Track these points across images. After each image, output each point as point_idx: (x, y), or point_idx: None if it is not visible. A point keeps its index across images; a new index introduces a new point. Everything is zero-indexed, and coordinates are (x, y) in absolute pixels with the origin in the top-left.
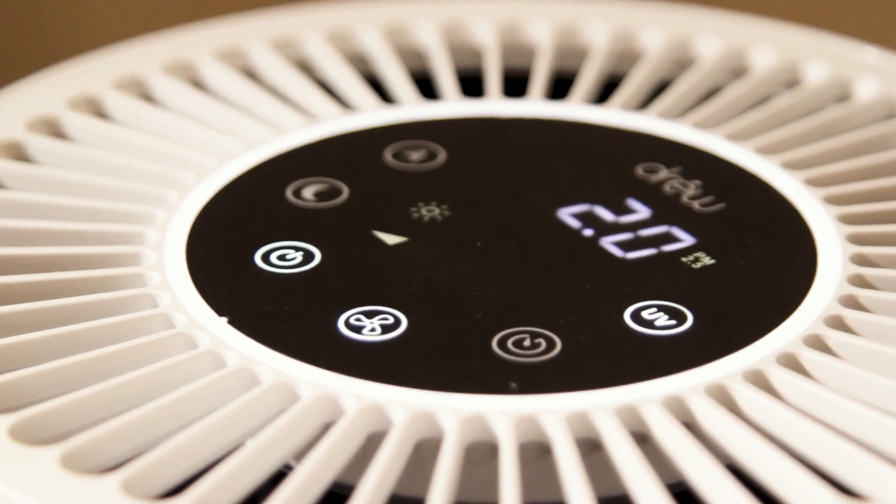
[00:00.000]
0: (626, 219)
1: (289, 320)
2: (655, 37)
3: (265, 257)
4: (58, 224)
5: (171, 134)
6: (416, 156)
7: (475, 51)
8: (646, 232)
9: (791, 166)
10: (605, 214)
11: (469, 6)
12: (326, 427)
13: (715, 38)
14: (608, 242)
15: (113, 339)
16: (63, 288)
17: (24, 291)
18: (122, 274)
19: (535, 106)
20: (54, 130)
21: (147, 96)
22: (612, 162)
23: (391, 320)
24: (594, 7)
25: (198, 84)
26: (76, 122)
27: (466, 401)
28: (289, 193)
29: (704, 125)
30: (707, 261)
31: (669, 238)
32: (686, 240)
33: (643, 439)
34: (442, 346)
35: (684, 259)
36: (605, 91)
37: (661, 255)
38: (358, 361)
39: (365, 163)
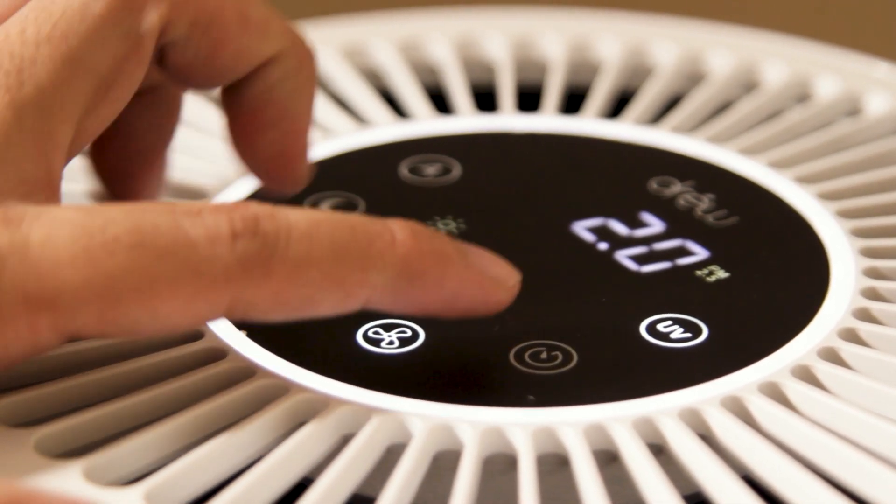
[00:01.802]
0: (641, 232)
1: (308, 333)
2: (667, 52)
3: None
4: None
5: (189, 148)
6: (431, 170)
7: (489, 66)
8: (660, 245)
9: (804, 180)
10: (619, 228)
11: (483, 22)
12: (346, 439)
13: (726, 52)
14: (623, 256)
15: (131, 354)
16: None
17: None
18: None
19: (548, 120)
20: None
21: None
22: (626, 176)
23: (409, 333)
24: (606, 22)
25: (218, 101)
26: None
27: (484, 413)
28: (307, 208)
29: (717, 139)
30: (721, 274)
31: (683, 252)
32: (700, 253)
33: (660, 451)
34: (460, 358)
35: (699, 272)
36: (618, 106)
37: (676, 268)
38: (376, 374)
39: (380, 177)
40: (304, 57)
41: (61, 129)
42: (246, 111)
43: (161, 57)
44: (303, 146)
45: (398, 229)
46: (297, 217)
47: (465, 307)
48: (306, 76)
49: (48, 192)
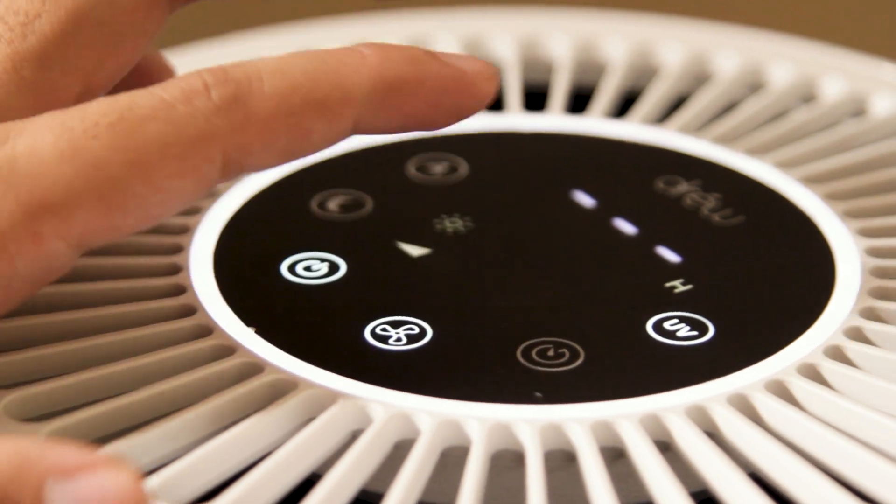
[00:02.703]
0: (647, 231)
1: (316, 330)
2: (673, 52)
3: (291, 268)
4: None
5: None
6: (438, 168)
7: (496, 66)
8: (666, 244)
9: (810, 180)
10: (625, 227)
11: (489, 21)
12: (354, 435)
13: (733, 53)
14: (629, 254)
15: (142, 349)
16: (90, 299)
17: (55, 301)
18: (150, 285)
19: (555, 120)
20: None
21: None
22: (632, 175)
23: (417, 330)
24: (613, 23)
25: None
26: None
27: (492, 410)
28: (313, 205)
29: (723, 139)
30: (727, 273)
31: (689, 250)
32: (706, 252)
33: (666, 448)
34: (467, 355)
35: (704, 271)
36: (624, 105)
37: (682, 266)
38: (385, 371)
39: (388, 175)
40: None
41: (65, 81)
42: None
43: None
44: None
45: (365, 46)
46: (265, 59)
47: (452, 103)
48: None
49: None
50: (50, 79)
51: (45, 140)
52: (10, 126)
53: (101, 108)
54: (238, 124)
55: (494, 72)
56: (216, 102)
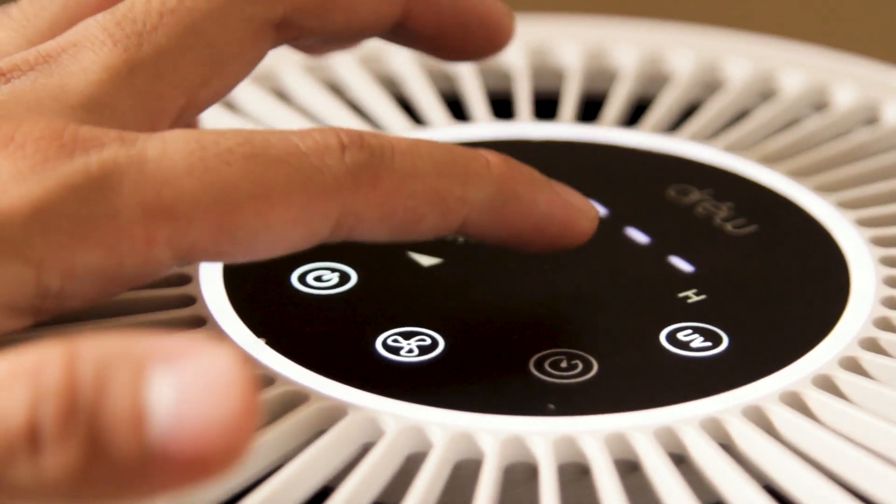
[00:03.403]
0: (659, 240)
1: (326, 341)
2: (684, 60)
3: (302, 278)
4: None
5: None
6: None
7: (505, 73)
8: (679, 254)
9: (823, 189)
10: (637, 236)
11: None
12: (366, 448)
13: (744, 61)
14: (642, 264)
15: None
16: (98, 309)
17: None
18: (160, 295)
19: (565, 128)
20: None
21: None
22: (644, 184)
23: (428, 341)
24: (623, 30)
25: (232, 107)
26: None
27: (505, 422)
28: None
29: (735, 148)
30: (740, 283)
31: (703, 260)
32: (719, 262)
33: (681, 460)
34: (479, 367)
35: (718, 281)
36: (635, 113)
37: (695, 276)
38: (396, 383)
39: None
40: None
41: (171, 94)
42: (418, 35)
43: (297, 36)
44: (484, 6)
45: (490, 154)
46: (398, 137)
47: (555, 232)
48: None
49: None
50: (159, 89)
51: (177, 150)
52: (143, 134)
53: (238, 139)
54: (362, 191)
55: (596, 213)
56: (348, 164)
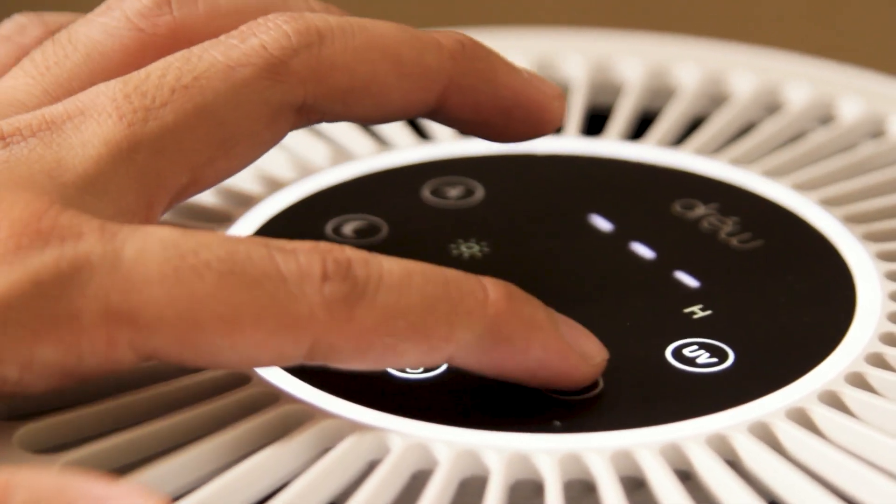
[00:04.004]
0: (664, 256)
1: None
2: (689, 73)
3: None
4: None
5: None
6: (454, 192)
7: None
8: (685, 269)
9: (829, 203)
10: (643, 251)
11: (504, 43)
12: (371, 466)
13: (749, 74)
14: (647, 280)
15: (155, 379)
16: None
17: None
18: None
19: (570, 142)
20: None
21: None
22: (649, 198)
23: None
24: (628, 43)
25: None
26: None
27: (511, 439)
28: (329, 230)
29: (740, 161)
30: (747, 298)
31: (709, 275)
32: (726, 277)
33: (687, 477)
34: (485, 384)
35: (724, 296)
36: (640, 127)
37: (701, 292)
38: (401, 400)
39: (403, 199)
40: (471, 56)
41: (173, 170)
42: (456, 120)
43: (321, 119)
44: (528, 92)
45: (492, 288)
46: (391, 266)
47: (548, 377)
48: (482, 64)
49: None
50: (160, 165)
51: (153, 255)
52: (126, 228)
53: (218, 253)
54: (337, 327)
55: (603, 358)
56: (325, 296)
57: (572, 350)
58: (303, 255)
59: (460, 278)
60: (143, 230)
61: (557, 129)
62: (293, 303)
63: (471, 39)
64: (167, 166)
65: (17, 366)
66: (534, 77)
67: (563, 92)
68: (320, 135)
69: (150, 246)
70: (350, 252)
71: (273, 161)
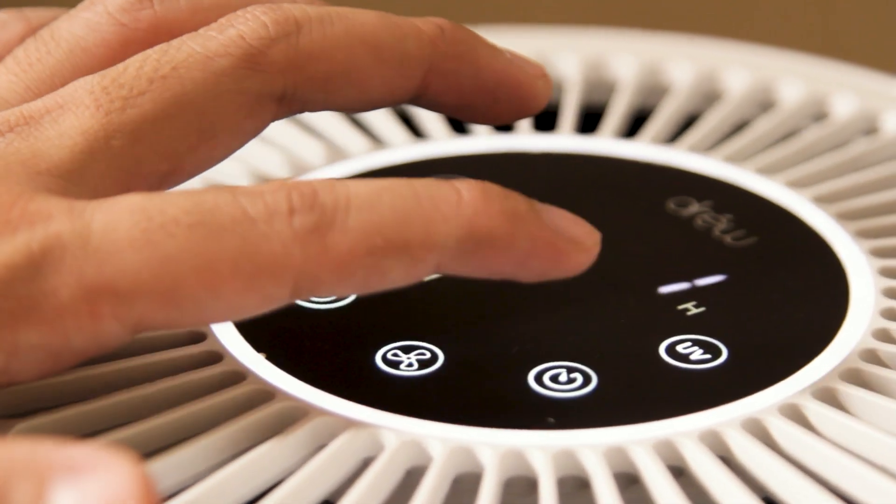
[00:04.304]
0: (658, 253)
1: (326, 356)
2: (683, 71)
3: None
4: None
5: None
6: None
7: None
8: (678, 266)
9: (822, 200)
10: (636, 249)
11: (496, 40)
12: (366, 462)
13: (742, 71)
14: (641, 277)
15: (151, 376)
16: None
17: None
18: None
19: (564, 140)
20: None
21: None
22: (643, 196)
23: (428, 355)
24: (622, 41)
25: None
26: None
27: (504, 436)
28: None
29: (734, 159)
30: (740, 295)
31: (702, 272)
32: (718, 274)
33: (680, 473)
34: (479, 381)
35: (717, 293)
36: (634, 125)
37: (695, 289)
38: (396, 397)
39: None
40: (451, 40)
41: (151, 159)
42: (440, 104)
43: (302, 108)
44: (511, 73)
45: (466, 189)
46: (358, 187)
47: (540, 269)
48: (463, 47)
49: None
50: (137, 152)
51: (122, 223)
52: (93, 203)
53: (184, 206)
54: (314, 257)
55: (595, 241)
56: (296, 229)
57: (560, 236)
58: (268, 194)
59: (431, 185)
60: (110, 201)
61: (550, 128)
62: (266, 243)
63: (451, 23)
64: (145, 153)
65: (2, 352)
66: (516, 57)
67: (546, 71)
68: (314, 133)
69: (117, 215)
70: (316, 182)
71: (267, 159)
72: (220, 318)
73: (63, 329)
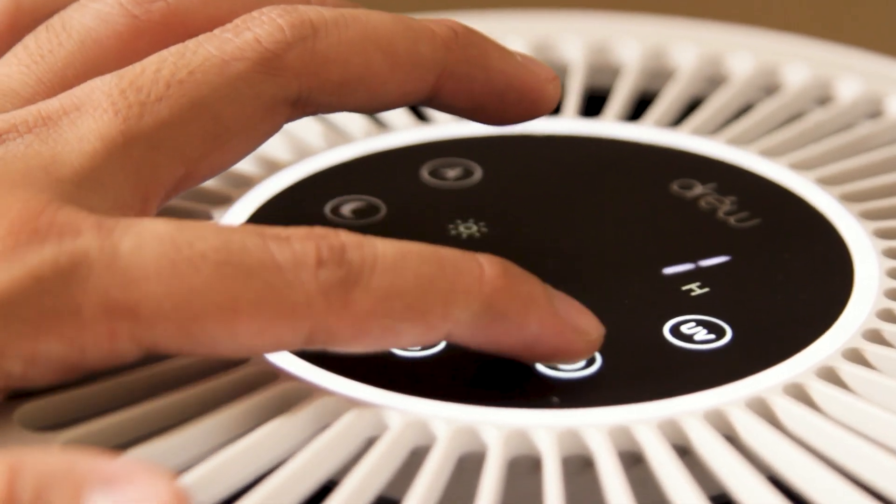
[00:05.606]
0: (662, 234)
1: None
2: (688, 54)
3: None
4: None
5: None
6: (452, 173)
7: None
8: (682, 247)
9: (826, 182)
10: (640, 230)
11: (502, 25)
12: (370, 442)
13: (747, 55)
14: (645, 258)
15: (154, 357)
16: None
17: None
18: None
19: (569, 123)
20: None
21: None
22: (648, 178)
23: None
24: (626, 25)
25: None
26: None
27: (509, 415)
28: (327, 211)
29: (738, 141)
30: (744, 276)
31: (706, 253)
32: (723, 255)
33: (685, 452)
34: (484, 361)
35: (721, 274)
36: (638, 108)
37: (699, 269)
38: (401, 377)
39: (402, 180)
40: (464, 43)
41: (168, 165)
42: (451, 106)
43: (316, 111)
44: (522, 76)
45: (488, 265)
46: (385, 248)
47: (544, 353)
48: (476, 51)
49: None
50: (156, 159)
51: (150, 250)
52: (122, 223)
53: (213, 243)
54: (334, 312)
55: (599, 334)
56: (321, 283)
57: (568, 326)
58: (297, 242)
59: (456, 256)
60: (139, 224)
61: (554, 111)
62: (289, 290)
63: (463, 26)
64: (162, 160)
65: (20, 360)
66: (527, 60)
67: (556, 74)
68: (318, 117)
69: (146, 240)
70: (344, 236)
71: (271, 143)
72: (230, 355)
73: (81, 344)
